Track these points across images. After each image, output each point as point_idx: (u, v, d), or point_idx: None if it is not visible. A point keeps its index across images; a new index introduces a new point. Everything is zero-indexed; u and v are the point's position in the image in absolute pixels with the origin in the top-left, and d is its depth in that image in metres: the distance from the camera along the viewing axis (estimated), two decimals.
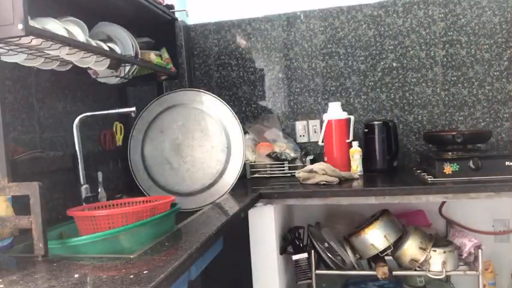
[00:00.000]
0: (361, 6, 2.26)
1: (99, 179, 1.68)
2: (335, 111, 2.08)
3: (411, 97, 2.24)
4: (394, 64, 2.24)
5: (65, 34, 1.30)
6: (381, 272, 1.76)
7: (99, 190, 1.67)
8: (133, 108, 1.59)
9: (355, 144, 2.03)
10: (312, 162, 2.10)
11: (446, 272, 1.75)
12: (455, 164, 1.70)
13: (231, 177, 1.82)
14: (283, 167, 2.13)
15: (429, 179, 1.71)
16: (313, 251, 1.86)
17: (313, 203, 1.73)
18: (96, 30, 1.72)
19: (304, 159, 2.14)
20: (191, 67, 2.45)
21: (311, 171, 1.85)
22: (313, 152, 2.34)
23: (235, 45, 2.41)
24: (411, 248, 1.79)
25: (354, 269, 1.89)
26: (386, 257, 1.87)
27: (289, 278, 2.00)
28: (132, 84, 2.10)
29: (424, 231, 1.90)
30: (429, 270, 1.77)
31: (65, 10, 1.57)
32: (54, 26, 1.30)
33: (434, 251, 1.76)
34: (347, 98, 2.30)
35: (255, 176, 2.16)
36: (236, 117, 1.84)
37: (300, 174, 1.88)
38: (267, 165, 2.15)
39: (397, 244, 1.85)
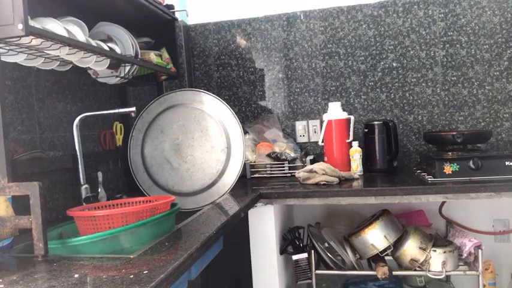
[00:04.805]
0: (361, 6, 2.26)
1: (99, 179, 1.68)
2: (335, 111, 2.08)
3: (411, 97, 2.24)
4: (394, 64, 2.24)
5: (65, 34, 1.30)
6: (381, 272, 1.76)
7: (99, 190, 1.67)
8: (133, 108, 1.59)
9: (355, 144, 2.04)
10: (312, 162, 2.10)
11: (446, 272, 1.75)
12: (455, 164, 1.70)
13: (231, 177, 1.82)
14: (283, 167, 2.13)
15: (429, 179, 1.71)
16: (313, 251, 1.86)
17: (313, 203, 1.73)
18: (96, 30, 1.72)
19: (304, 159, 2.14)
20: (191, 67, 2.45)
21: (311, 171, 1.85)
22: (313, 152, 2.34)
23: (235, 45, 2.41)
24: (411, 248, 1.79)
25: (354, 269, 1.89)
26: (386, 257, 1.87)
27: (289, 278, 2.00)
28: (132, 84, 2.10)
29: (424, 231, 1.90)
30: (429, 270, 1.77)
31: (65, 10, 1.57)
32: (54, 26, 1.30)
33: (434, 251, 1.76)
34: (347, 98, 2.30)
35: (255, 176, 2.16)
36: (236, 117, 1.84)
37: (300, 174, 1.88)
38: (267, 165, 2.15)
39: (397, 244, 1.85)
